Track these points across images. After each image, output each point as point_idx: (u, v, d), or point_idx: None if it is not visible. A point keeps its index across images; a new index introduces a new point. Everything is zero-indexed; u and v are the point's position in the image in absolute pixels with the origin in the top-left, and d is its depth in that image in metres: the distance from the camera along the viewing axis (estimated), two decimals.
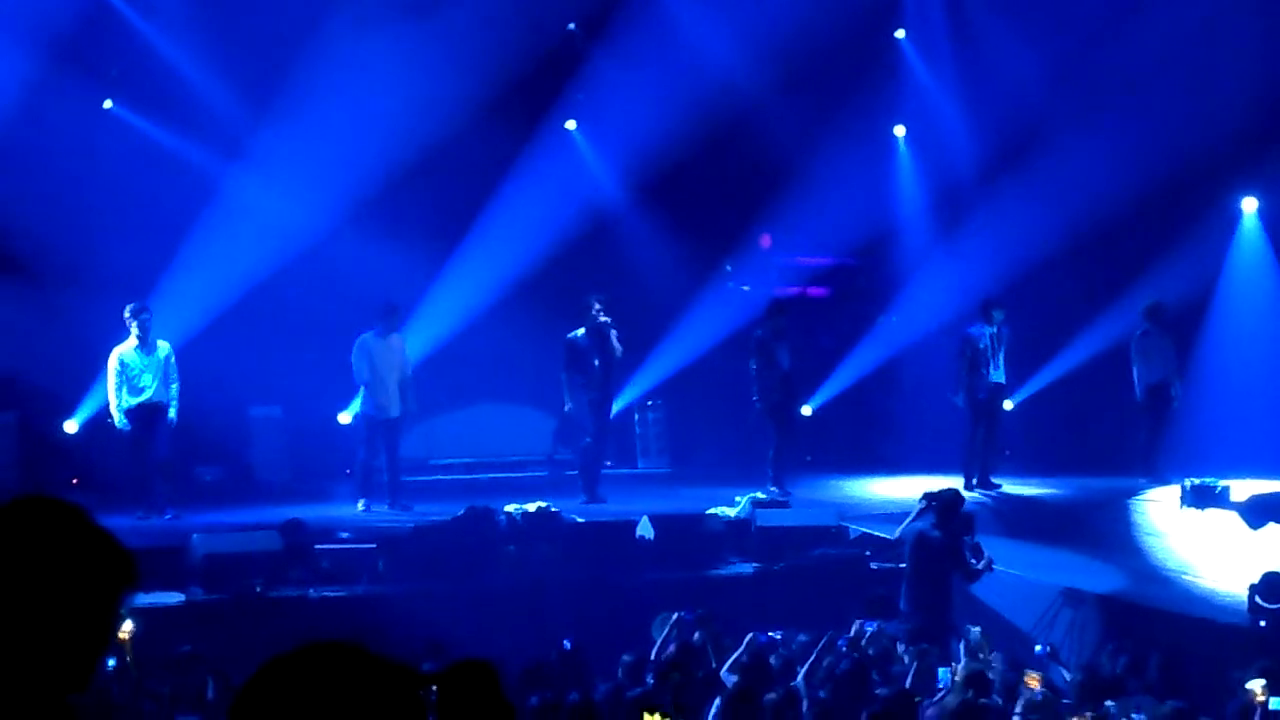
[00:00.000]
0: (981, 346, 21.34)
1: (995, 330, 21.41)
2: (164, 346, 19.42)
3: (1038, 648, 14.92)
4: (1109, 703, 12.81)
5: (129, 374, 19.20)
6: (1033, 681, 13.12)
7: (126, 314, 19.22)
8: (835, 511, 19.71)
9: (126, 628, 13.02)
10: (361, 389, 20.57)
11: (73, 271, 21.50)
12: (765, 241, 26.36)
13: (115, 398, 19.18)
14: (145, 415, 19.24)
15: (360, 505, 20.33)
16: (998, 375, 21.56)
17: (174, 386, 19.31)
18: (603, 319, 20.78)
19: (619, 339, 20.84)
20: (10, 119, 21.24)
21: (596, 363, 20.82)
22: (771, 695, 12.35)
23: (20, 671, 3.10)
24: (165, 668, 13.11)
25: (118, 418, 19.20)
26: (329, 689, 2.97)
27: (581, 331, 20.87)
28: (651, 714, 12.06)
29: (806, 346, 23.24)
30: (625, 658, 13.93)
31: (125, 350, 19.22)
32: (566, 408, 21.25)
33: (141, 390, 19.22)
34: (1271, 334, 23.80)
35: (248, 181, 22.71)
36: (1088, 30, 23.64)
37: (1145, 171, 22.83)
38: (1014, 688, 13.27)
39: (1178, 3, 22.60)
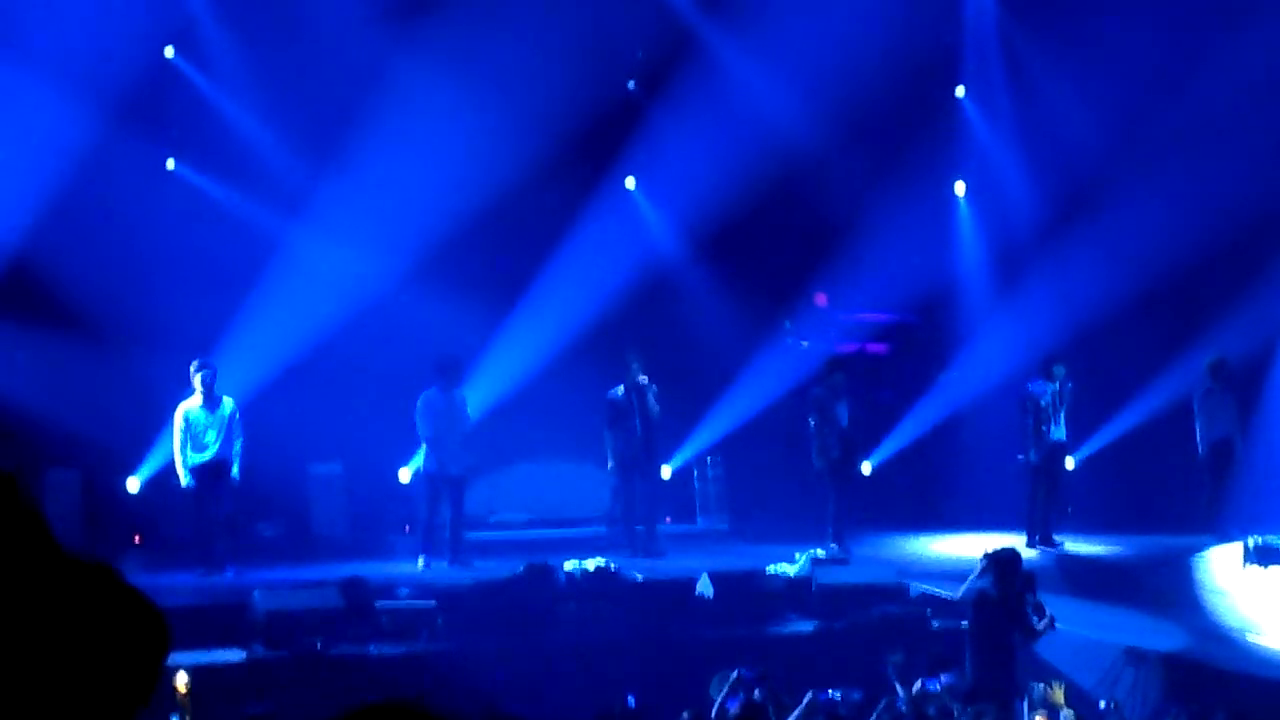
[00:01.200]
0: (1044, 404, 21.29)
1: (1057, 387, 21.36)
2: (228, 403, 19.51)
3: (1101, 704, 14.79)
4: None
5: (194, 431, 19.30)
6: None
7: (192, 370, 19.32)
8: (895, 569, 19.65)
9: (182, 681, 13.05)
10: (424, 445, 20.63)
11: (136, 329, 21.63)
12: (821, 300, 26.33)
13: (180, 454, 19.28)
14: (209, 472, 19.33)
15: (420, 562, 20.33)
16: (1059, 433, 21.50)
17: (238, 443, 19.40)
18: (641, 378, 20.87)
19: (657, 398, 20.91)
20: (75, 179, 21.41)
21: (637, 421, 20.91)
22: None
23: None
24: None
25: (183, 475, 19.28)
26: None
27: (621, 390, 20.97)
28: None
29: (866, 403, 23.17)
30: (684, 715, 13.89)
31: (190, 407, 19.32)
32: (609, 465, 21.33)
33: (206, 447, 19.31)
34: None
35: (309, 238, 22.86)
36: (1148, 85, 23.58)
37: (1207, 227, 22.76)
38: None
39: (1238, 56, 22.54)
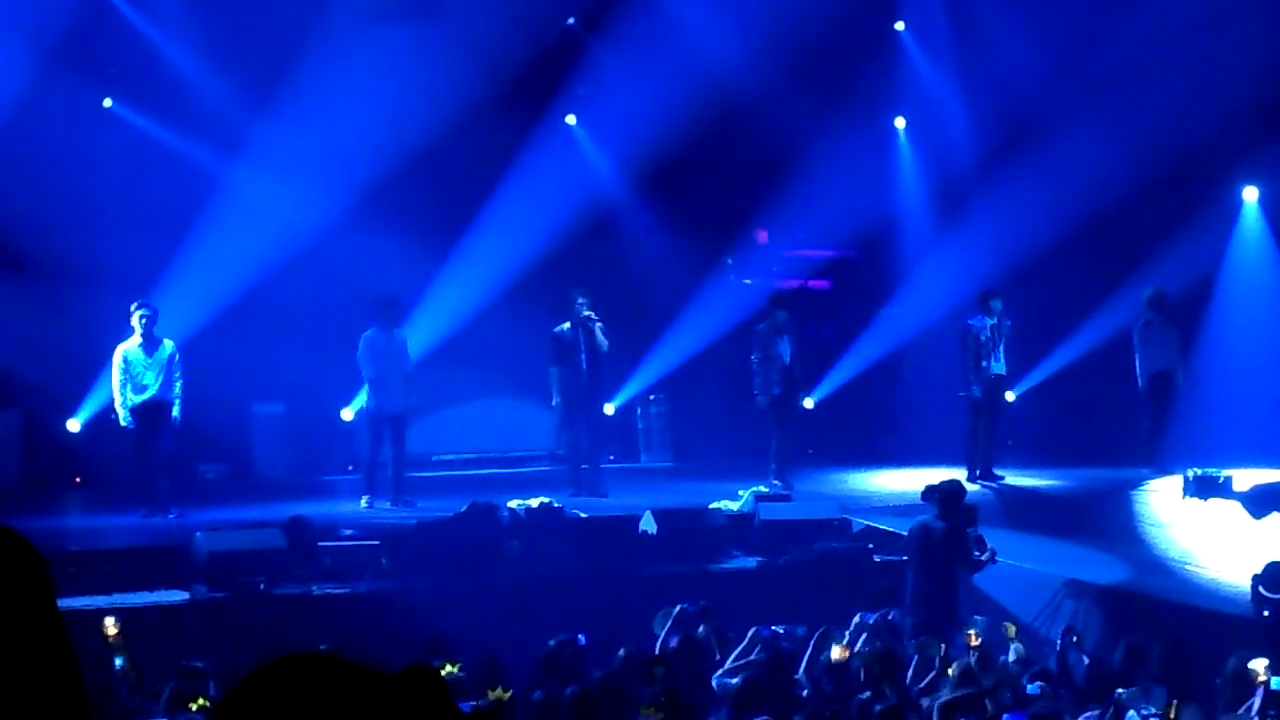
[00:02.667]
0: (983, 339, 21.33)
1: (995, 321, 21.39)
2: (168, 344, 19.38)
3: (1059, 641, 14.80)
4: (1120, 691, 12.77)
5: (133, 372, 19.16)
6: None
7: (131, 310, 19.20)
8: (838, 505, 19.71)
9: (110, 623, 13.05)
10: (366, 385, 20.56)
11: (75, 269, 21.51)
12: (762, 237, 26.37)
13: (120, 395, 19.15)
14: (149, 413, 19.19)
15: (363, 502, 20.29)
16: (999, 366, 21.54)
17: (178, 384, 19.27)
18: (586, 313, 20.75)
19: (604, 332, 20.81)
20: (10, 117, 21.24)
21: (583, 357, 20.80)
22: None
23: None
24: (171, 675, 13.03)
25: (122, 415, 19.15)
26: (302, 708, 2.93)
27: (567, 326, 20.84)
28: (647, 710, 12.07)
29: (808, 339, 23.23)
30: (620, 652, 13.92)
31: (129, 348, 19.19)
32: (554, 402, 21.22)
33: (145, 388, 19.18)
34: (1273, 323, 23.81)
35: (249, 177, 22.74)
36: (1088, 19, 23.64)
37: (1147, 160, 22.85)
38: (1016, 679, 13.33)
39: None
